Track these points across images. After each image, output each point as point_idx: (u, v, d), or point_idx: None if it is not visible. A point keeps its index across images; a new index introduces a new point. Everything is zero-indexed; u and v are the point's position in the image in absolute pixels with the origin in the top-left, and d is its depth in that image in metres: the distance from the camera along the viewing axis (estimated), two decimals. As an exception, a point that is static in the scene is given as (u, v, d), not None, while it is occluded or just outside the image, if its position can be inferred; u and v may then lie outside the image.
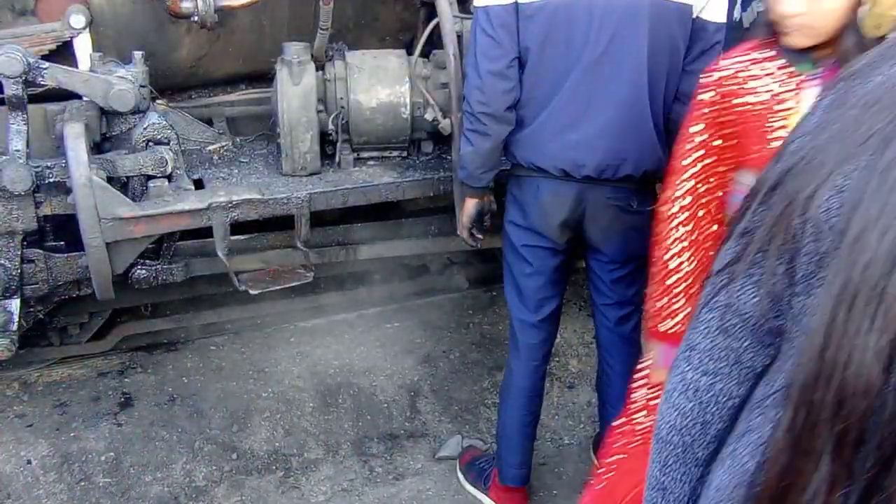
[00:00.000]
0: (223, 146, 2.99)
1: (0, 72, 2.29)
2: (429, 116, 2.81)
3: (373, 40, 3.39)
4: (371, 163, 2.89)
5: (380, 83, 2.80)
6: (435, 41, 3.00)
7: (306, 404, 3.14)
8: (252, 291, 2.67)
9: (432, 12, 3.20)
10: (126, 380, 3.23)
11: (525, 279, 2.45)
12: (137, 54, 2.64)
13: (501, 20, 2.12)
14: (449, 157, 2.89)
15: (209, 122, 3.11)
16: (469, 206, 2.49)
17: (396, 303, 3.65)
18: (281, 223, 2.89)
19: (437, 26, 2.77)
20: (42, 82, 2.42)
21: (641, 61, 2.12)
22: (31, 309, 2.81)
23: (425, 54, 2.97)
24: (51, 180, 2.47)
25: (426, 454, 2.98)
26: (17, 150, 2.38)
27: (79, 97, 2.72)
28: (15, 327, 2.62)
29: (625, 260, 2.40)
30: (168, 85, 3.16)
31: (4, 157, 2.42)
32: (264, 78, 3.30)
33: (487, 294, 3.77)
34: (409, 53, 2.95)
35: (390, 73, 2.82)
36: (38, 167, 2.43)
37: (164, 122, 2.56)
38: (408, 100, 2.80)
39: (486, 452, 2.91)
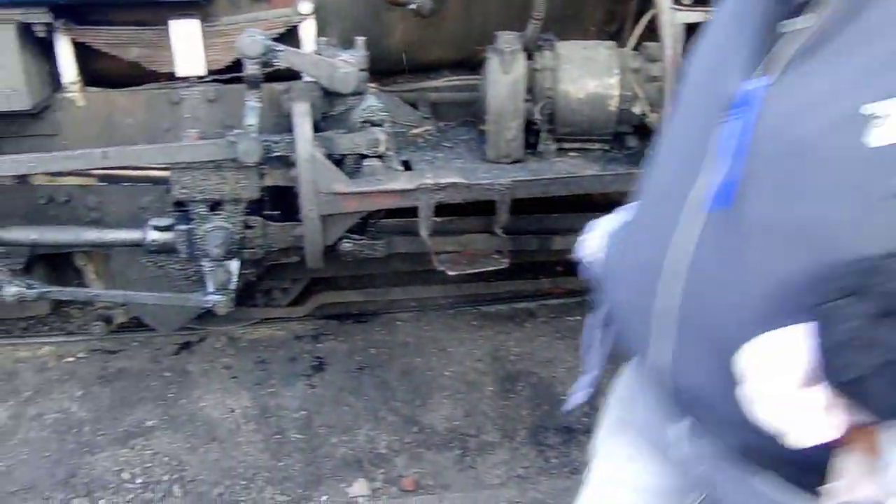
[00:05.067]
0: (427, 130, 3.09)
1: (243, 53, 2.49)
2: (637, 110, 2.76)
3: (577, 31, 3.37)
4: (572, 154, 2.89)
5: (588, 74, 2.78)
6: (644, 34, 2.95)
7: (486, 387, 3.21)
8: (450, 272, 2.75)
9: (643, 3, 3.15)
10: (319, 345, 3.44)
11: None
12: (360, 40, 2.78)
13: None
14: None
15: (414, 106, 3.23)
16: None
17: (578, 296, 3.63)
18: (480, 208, 2.95)
19: (653, 18, 2.71)
20: (276, 63, 2.61)
21: None
22: (245, 271, 3.06)
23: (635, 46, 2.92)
24: (276, 154, 2.67)
25: (602, 451, 2.95)
26: (251, 126, 2.58)
27: (299, 77, 2.92)
28: (233, 286, 2.86)
29: None
30: (378, 69, 3.30)
31: (239, 132, 2.63)
32: (467, 65, 3.38)
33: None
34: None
35: (600, 65, 2.79)
36: (266, 141, 2.63)
37: (381, 105, 2.68)
38: (616, 92, 2.77)
39: None
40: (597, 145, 2.90)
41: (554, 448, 2.98)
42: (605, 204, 3.24)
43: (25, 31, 2.68)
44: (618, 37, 3.23)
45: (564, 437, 3.01)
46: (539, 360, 3.34)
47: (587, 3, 3.31)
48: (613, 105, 2.78)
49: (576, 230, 3.09)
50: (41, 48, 2.82)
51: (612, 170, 2.76)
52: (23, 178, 2.92)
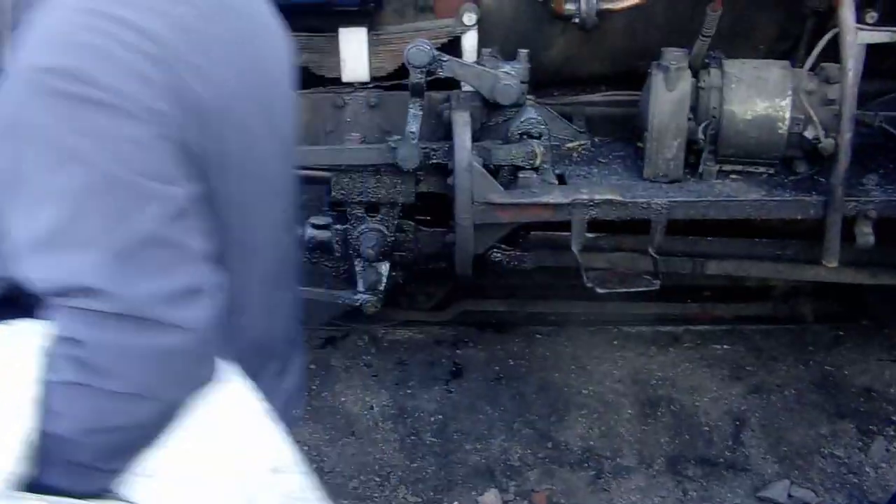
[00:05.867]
0: (582, 144, 3.05)
1: (410, 62, 2.55)
2: (809, 134, 2.62)
3: (746, 49, 3.23)
4: (734, 176, 2.77)
5: (758, 95, 2.66)
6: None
7: (624, 410, 3.13)
8: (599, 290, 2.70)
9: (821, 21, 2.98)
10: (458, 351, 3.48)
11: None
12: (522, 52, 2.78)
13: None
14: (823, 180, 2.68)
15: (569, 120, 3.20)
16: None
17: (727, 324, 3.50)
18: (630, 226, 2.89)
19: (834, 38, 2.56)
20: (440, 73, 2.65)
21: None
22: (394, 273, 3.13)
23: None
24: (433, 161, 2.72)
25: (746, 490, 2.81)
26: (412, 133, 2.64)
27: (457, 86, 2.97)
28: (383, 287, 2.93)
29: None
30: (535, 81, 3.30)
31: (398, 138, 2.71)
32: (625, 80, 3.31)
33: (833, 332, 3.46)
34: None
35: (771, 85, 2.66)
36: (425, 148, 2.68)
37: (539, 118, 2.68)
38: (787, 114, 2.63)
39: None
40: (761, 169, 2.77)
41: (694, 481, 2.86)
42: (765, 230, 3.13)
43: (209, 34, 2.86)
44: (790, 56, 3.07)
45: (706, 471, 2.89)
46: (682, 387, 3.22)
47: (759, 21, 3.16)
48: (783, 128, 2.64)
49: (731, 255, 3.01)
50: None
51: (778, 196, 2.62)
52: (197, 172, 3.12)
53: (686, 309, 3.51)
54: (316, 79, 3.09)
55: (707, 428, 3.05)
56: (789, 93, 2.64)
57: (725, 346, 3.43)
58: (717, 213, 2.62)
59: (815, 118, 2.62)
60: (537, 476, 2.89)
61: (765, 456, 2.94)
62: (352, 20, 2.95)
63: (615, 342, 3.49)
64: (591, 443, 3.01)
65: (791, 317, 3.48)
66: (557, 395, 3.20)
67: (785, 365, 3.33)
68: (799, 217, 2.66)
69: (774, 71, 2.70)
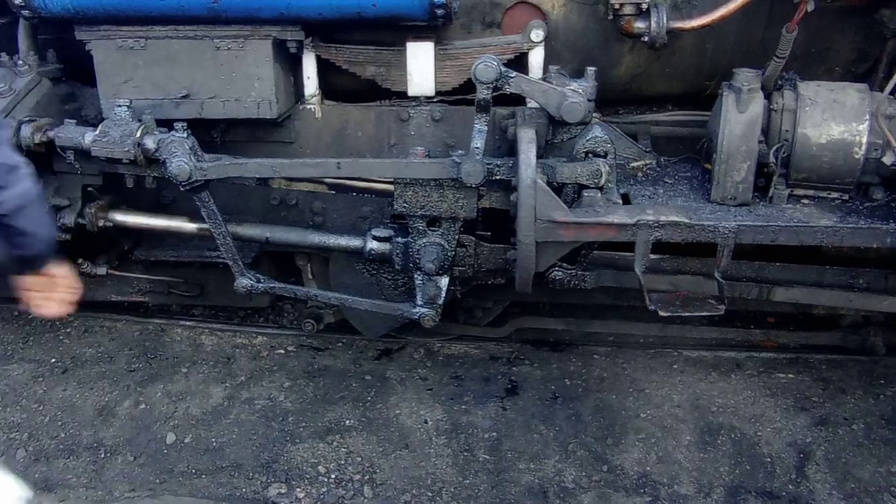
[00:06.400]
0: (647, 164, 3.01)
1: (477, 78, 2.55)
2: (887, 160, 2.53)
3: (820, 70, 3.15)
4: (806, 201, 2.69)
5: (834, 118, 2.59)
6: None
7: (683, 436, 3.06)
8: (662, 313, 2.65)
9: (902, 45, 2.89)
10: (514, 368, 3.46)
11: None
12: (590, 70, 2.76)
13: None
14: (900, 207, 2.59)
15: (634, 139, 3.16)
16: None
17: (792, 353, 3.40)
18: (693, 248, 2.83)
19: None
20: (507, 89, 2.64)
21: None
22: (452, 288, 3.13)
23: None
24: (497, 177, 2.70)
25: (810, 525, 2.72)
26: (477, 148, 2.64)
27: (521, 102, 2.96)
28: (441, 301, 2.93)
29: None
30: (600, 99, 3.26)
31: (462, 153, 2.71)
32: (691, 100, 3.26)
33: (906, 365, 3.34)
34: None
35: (848, 109, 2.59)
36: (489, 164, 2.68)
37: (606, 137, 2.65)
38: (864, 139, 2.55)
39: None
40: (835, 194, 2.69)
41: (754, 512, 2.78)
42: (836, 258, 3.04)
43: (280, 46, 2.92)
44: (867, 79, 2.99)
45: (766, 503, 2.80)
46: (743, 415, 3.13)
47: (835, 42, 3.08)
48: (860, 153, 2.56)
49: (800, 282, 2.93)
50: (290, 63, 3.07)
51: (852, 222, 2.54)
52: (263, 181, 3.18)
53: (749, 335, 3.42)
54: (382, 92, 3.13)
55: (769, 459, 2.96)
56: (867, 117, 2.56)
57: (790, 375, 3.33)
58: (788, 239, 2.55)
59: (894, 143, 2.53)
60: (591, 499, 2.84)
61: (830, 492, 2.83)
62: (419, 34, 2.98)
63: (675, 366, 3.41)
64: (648, 468, 2.94)
65: (861, 348, 3.36)
66: (614, 418, 3.15)
67: (854, 398, 3.21)
68: (874, 245, 2.56)
69: (851, 94, 2.63)
